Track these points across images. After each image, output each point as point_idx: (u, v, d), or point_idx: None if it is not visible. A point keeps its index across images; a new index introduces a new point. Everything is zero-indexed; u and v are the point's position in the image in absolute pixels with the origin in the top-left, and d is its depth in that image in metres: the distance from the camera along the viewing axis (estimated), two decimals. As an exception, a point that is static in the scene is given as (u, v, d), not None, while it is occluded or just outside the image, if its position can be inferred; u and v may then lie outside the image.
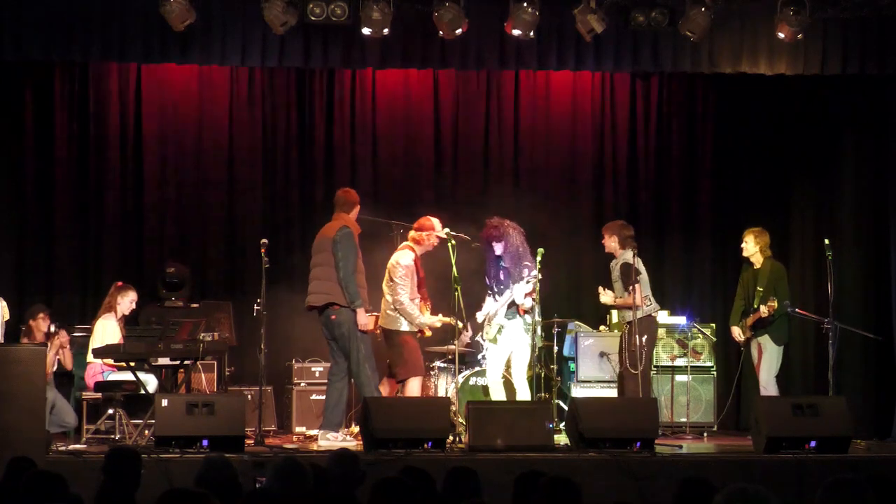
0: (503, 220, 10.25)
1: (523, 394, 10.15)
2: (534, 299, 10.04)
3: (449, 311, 10.17)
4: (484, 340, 10.46)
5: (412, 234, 10.20)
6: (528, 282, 10.00)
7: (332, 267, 9.63)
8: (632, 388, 10.05)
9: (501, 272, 10.25)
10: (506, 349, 10.22)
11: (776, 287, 10.73)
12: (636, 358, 9.98)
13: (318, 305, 9.72)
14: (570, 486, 4.86)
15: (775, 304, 10.53)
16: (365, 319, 9.64)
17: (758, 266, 10.89)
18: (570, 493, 4.84)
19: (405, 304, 9.94)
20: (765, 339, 10.75)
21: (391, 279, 10.05)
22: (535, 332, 10.21)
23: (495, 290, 10.28)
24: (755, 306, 10.71)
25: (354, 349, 9.59)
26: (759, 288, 10.75)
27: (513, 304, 10.18)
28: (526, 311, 10.08)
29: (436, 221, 10.19)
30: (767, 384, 10.64)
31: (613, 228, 10.46)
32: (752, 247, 10.89)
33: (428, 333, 10.32)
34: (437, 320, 10.20)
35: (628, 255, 10.20)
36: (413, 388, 10.03)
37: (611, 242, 10.42)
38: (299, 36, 10.53)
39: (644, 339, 10.02)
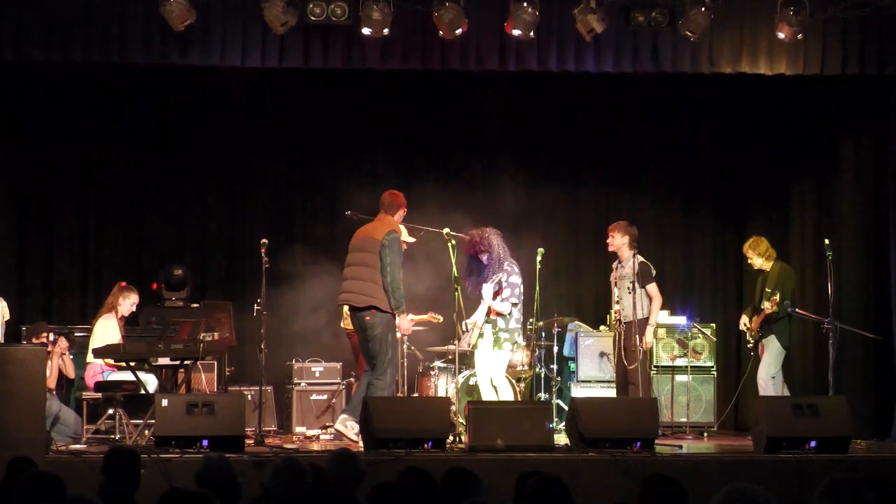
0: (482, 230, 10.22)
1: (504, 392, 10.11)
2: (513, 303, 10.02)
3: (448, 311, 10.20)
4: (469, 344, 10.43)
5: None
6: (493, 282, 10.01)
7: (376, 269, 9.55)
8: (633, 390, 10.06)
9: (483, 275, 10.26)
10: (486, 351, 10.20)
11: (783, 287, 10.80)
12: (634, 357, 10.03)
13: (359, 307, 9.63)
14: (558, 486, 4.84)
15: (777, 297, 10.58)
16: (408, 325, 9.67)
17: (767, 270, 11.06)
18: (559, 492, 4.82)
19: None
20: (769, 340, 10.81)
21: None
22: (532, 332, 10.20)
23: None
24: (762, 306, 10.78)
25: (384, 353, 9.55)
26: (766, 289, 10.85)
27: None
28: (499, 314, 10.05)
29: (402, 228, 10.17)
30: (766, 384, 10.67)
31: (623, 227, 10.48)
32: (756, 259, 11.06)
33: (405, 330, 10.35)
34: (422, 318, 10.33)
35: (639, 256, 10.25)
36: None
37: (621, 241, 10.42)
38: (299, 36, 10.53)
39: (638, 338, 10.04)
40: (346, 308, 10.25)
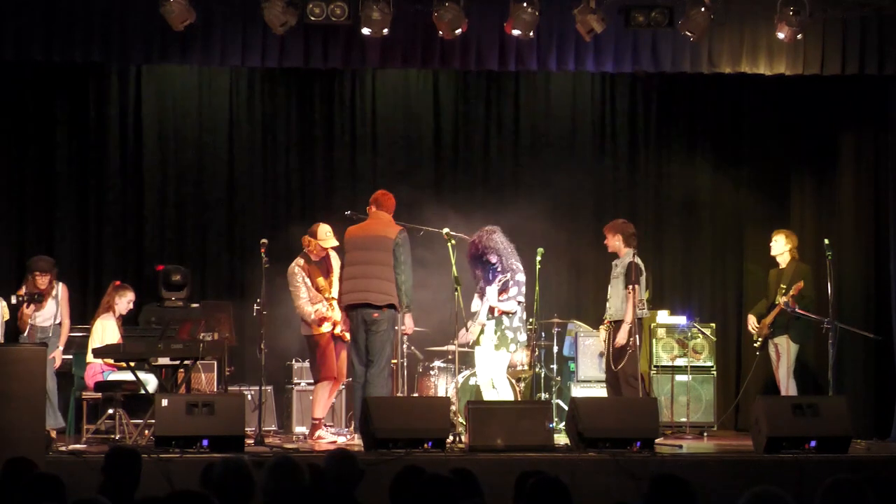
0: (482, 232, 10.19)
1: (503, 393, 10.10)
2: (518, 301, 10.01)
3: (448, 311, 10.21)
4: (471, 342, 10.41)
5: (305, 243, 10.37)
6: (499, 281, 10.02)
7: (391, 267, 9.65)
8: (627, 390, 10.04)
9: (490, 275, 10.25)
10: (488, 349, 10.19)
11: (803, 283, 10.86)
12: (623, 357, 10.01)
13: (380, 305, 9.66)
14: (558, 487, 4.84)
15: (802, 283, 10.60)
16: (411, 323, 9.79)
17: (783, 266, 11.05)
18: (559, 493, 4.82)
19: (301, 306, 10.13)
20: (782, 340, 10.83)
21: (289, 289, 10.26)
22: (532, 332, 10.18)
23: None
24: (776, 302, 10.80)
25: (384, 349, 9.66)
26: (782, 285, 10.88)
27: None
28: (504, 313, 10.04)
29: (324, 230, 10.22)
30: (788, 383, 10.72)
31: (616, 227, 10.47)
32: (781, 246, 11.09)
33: (327, 329, 10.25)
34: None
35: (632, 255, 10.22)
36: (322, 391, 10.13)
37: (614, 241, 10.42)
38: (299, 36, 10.53)
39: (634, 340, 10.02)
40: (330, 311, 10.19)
